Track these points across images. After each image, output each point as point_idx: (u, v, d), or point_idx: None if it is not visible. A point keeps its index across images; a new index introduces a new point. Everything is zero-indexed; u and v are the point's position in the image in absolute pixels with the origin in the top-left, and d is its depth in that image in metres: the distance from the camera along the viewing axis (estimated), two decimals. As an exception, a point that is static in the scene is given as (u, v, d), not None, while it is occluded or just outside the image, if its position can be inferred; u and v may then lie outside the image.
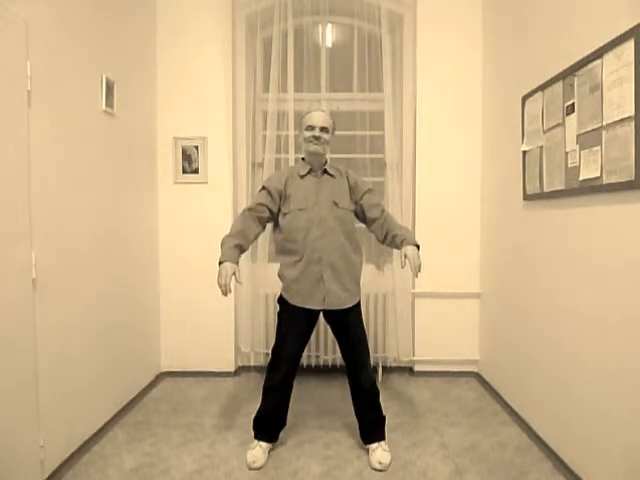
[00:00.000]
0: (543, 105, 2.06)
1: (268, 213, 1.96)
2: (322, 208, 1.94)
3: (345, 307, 1.97)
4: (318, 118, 1.97)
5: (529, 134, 2.21)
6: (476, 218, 2.99)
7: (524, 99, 2.26)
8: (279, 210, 1.99)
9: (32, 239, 1.70)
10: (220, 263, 1.77)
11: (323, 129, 1.96)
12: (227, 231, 1.92)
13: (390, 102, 2.90)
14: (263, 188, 2.01)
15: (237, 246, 1.84)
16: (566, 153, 1.86)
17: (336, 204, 1.96)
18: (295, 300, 1.96)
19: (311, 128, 1.96)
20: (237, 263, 1.79)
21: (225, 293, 1.72)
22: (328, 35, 3.16)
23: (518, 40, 2.40)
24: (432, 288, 2.97)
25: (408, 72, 2.99)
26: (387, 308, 2.99)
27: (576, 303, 1.83)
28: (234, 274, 1.74)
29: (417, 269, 1.74)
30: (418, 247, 1.82)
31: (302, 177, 2.00)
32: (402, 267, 1.79)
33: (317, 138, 1.95)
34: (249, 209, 1.96)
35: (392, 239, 1.92)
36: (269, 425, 2.05)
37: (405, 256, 1.76)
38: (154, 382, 2.88)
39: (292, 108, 2.90)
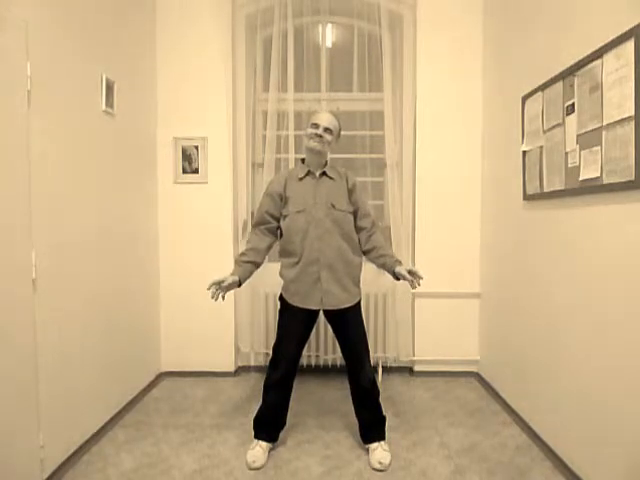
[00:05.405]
0: (543, 105, 2.06)
1: (275, 222, 2.03)
2: (319, 210, 1.96)
3: (343, 307, 1.98)
4: (325, 118, 1.99)
5: (529, 134, 2.21)
6: (476, 218, 2.98)
7: (524, 99, 2.25)
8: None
9: (32, 239, 1.70)
10: None
11: (327, 130, 1.98)
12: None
13: (390, 102, 2.90)
14: (265, 194, 2.06)
15: (246, 262, 1.98)
16: (566, 153, 1.86)
17: (333, 206, 1.97)
18: (293, 300, 1.99)
19: (315, 126, 1.98)
20: (239, 276, 1.92)
21: (213, 297, 1.85)
22: (328, 35, 3.15)
23: (518, 40, 2.40)
24: (432, 288, 2.97)
25: (408, 72, 2.99)
26: (387, 308, 2.99)
27: (576, 303, 1.83)
28: (221, 282, 1.85)
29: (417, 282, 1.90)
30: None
31: (300, 179, 2.02)
32: (412, 278, 1.89)
33: (319, 136, 1.96)
34: (257, 224, 2.05)
35: (379, 257, 2.03)
36: (269, 425, 2.06)
37: (411, 272, 1.88)
38: (154, 382, 2.88)
39: (292, 108, 2.90)
